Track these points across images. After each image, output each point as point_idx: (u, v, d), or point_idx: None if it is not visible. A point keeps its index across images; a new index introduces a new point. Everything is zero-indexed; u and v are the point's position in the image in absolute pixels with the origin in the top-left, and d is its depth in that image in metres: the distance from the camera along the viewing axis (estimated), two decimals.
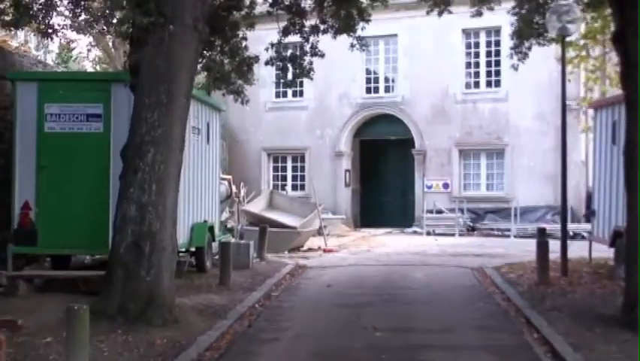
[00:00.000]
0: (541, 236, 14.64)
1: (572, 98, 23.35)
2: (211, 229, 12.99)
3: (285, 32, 12.84)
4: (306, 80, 26.47)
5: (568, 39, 13.28)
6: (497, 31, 24.26)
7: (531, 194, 23.43)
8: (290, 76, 13.44)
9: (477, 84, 24.72)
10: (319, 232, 19.98)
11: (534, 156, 23.64)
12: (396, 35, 25.33)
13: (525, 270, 13.47)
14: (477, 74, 24.68)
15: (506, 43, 24.13)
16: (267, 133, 26.54)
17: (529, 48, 12.76)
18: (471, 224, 23.47)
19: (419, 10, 25.48)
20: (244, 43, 13.09)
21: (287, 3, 12.76)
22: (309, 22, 12.97)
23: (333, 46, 25.66)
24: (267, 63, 13.03)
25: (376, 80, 25.91)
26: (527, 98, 23.69)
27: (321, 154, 25.99)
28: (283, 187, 26.12)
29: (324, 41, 13.21)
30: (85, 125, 10.95)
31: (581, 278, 12.21)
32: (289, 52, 13.05)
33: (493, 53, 24.40)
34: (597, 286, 11.37)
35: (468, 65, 24.73)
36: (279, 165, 27.00)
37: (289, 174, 26.82)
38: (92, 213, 10.87)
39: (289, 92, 26.76)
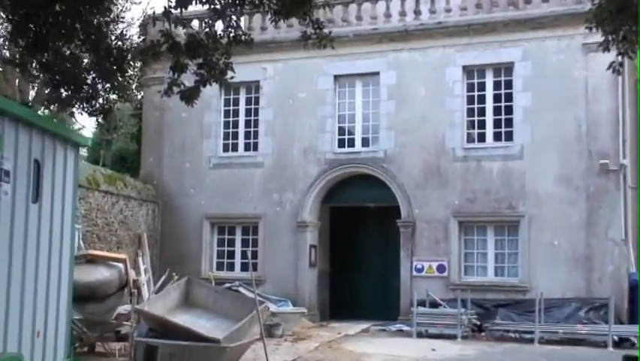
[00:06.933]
0: None
1: (607, 155, 17.81)
2: None
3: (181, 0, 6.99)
4: (261, 130, 21.07)
5: None
6: (508, 68, 18.76)
7: (555, 282, 17.58)
8: (189, 80, 7.46)
9: (482, 137, 18.92)
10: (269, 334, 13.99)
11: (558, 231, 17.85)
12: (377, 74, 19.69)
13: None
14: (482, 124, 18.91)
15: (520, 83, 18.91)
16: (211, 196, 20.67)
17: (625, 37, 6.99)
18: (477, 322, 17.35)
19: (408, 42, 20.18)
20: (116, 26, 7.31)
21: None
22: None
23: (298, 88, 19.75)
24: (143, 52, 7.11)
25: (352, 131, 20.08)
26: (549, 156, 18.02)
27: (279, 224, 20.02)
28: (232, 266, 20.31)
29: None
30: None
31: None
32: (184, 33, 7.12)
33: (503, 97, 18.77)
34: None
35: (471, 112, 18.99)
36: (226, 237, 20.90)
37: (238, 248, 20.70)
38: None
39: (240, 144, 21.06)
